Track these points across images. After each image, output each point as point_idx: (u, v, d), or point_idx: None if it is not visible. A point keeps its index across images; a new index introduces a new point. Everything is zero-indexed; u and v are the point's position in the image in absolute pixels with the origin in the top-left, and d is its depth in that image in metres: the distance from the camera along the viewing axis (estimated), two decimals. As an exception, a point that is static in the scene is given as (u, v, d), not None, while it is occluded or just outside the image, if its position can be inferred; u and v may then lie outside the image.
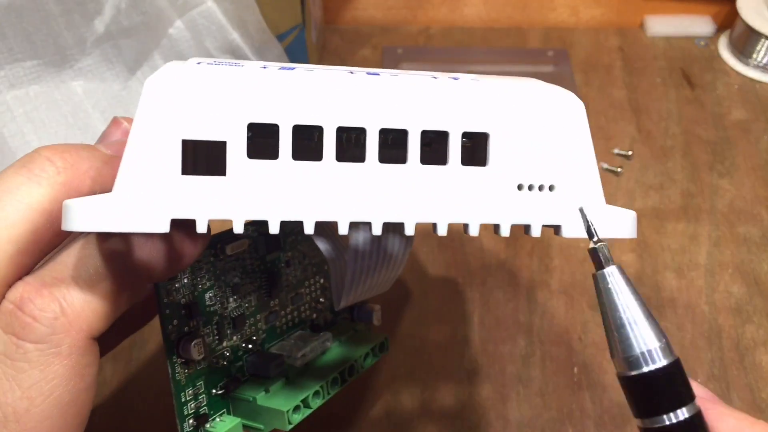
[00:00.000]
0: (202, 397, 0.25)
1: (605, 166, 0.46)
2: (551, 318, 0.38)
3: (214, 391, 0.25)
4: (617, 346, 0.18)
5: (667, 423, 0.18)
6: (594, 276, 0.19)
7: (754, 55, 0.53)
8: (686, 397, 0.18)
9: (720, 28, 0.58)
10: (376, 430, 0.34)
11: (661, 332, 0.18)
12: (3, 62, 0.39)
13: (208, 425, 0.25)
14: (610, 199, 0.44)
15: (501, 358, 0.36)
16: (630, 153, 0.47)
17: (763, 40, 0.52)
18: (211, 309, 0.25)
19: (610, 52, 0.56)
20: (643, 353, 0.18)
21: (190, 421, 0.24)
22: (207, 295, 0.25)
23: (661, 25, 0.57)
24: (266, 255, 0.28)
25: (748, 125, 0.50)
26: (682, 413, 0.18)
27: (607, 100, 0.51)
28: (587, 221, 0.19)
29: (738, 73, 0.54)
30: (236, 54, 0.43)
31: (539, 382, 0.35)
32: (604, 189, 0.47)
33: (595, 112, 0.50)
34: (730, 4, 0.56)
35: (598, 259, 0.18)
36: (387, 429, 0.34)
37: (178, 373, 0.24)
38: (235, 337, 0.26)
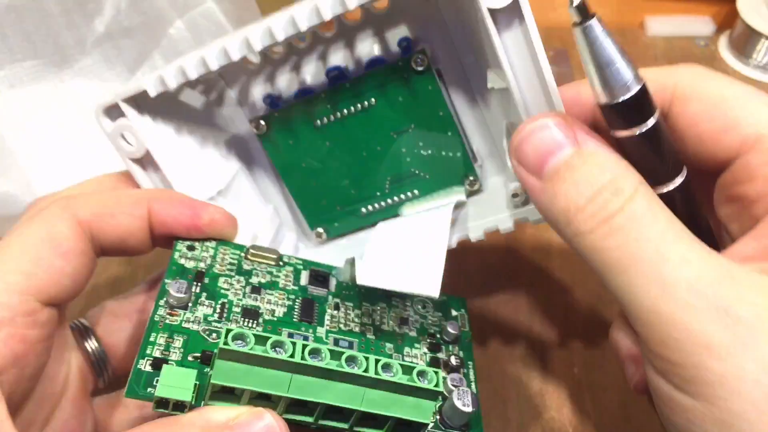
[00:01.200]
0: (175, 352, 0.23)
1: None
2: (551, 318, 0.38)
3: (190, 356, 0.23)
4: (607, 82, 0.22)
5: (650, 125, 0.22)
6: (581, 28, 0.21)
7: (755, 56, 0.53)
8: (653, 108, 0.23)
9: (720, 29, 0.58)
10: (377, 430, 0.34)
11: (633, 65, 0.22)
12: (3, 62, 0.39)
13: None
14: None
15: (501, 358, 0.36)
16: (630, 153, 0.47)
17: (763, 40, 0.52)
18: (221, 291, 0.26)
19: (610, 52, 0.56)
20: (625, 82, 0.22)
21: (148, 361, 0.23)
22: (221, 279, 0.26)
23: (661, 26, 0.57)
24: (307, 286, 0.27)
25: (748, 125, 0.50)
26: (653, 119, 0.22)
27: (607, 100, 0.51)
28: None
29: (738, 74, 0.54)
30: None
31: (539, 382, 0.35)
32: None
33: (595, 112, 0.50)
34: (730, 5, 0.56)
35: (584, 13, 0.21)
36: (387, 429, 0.34)
37: (157, 315, 0.24)
38: (246, 327, 0.25)
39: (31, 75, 0.40)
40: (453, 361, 0.27)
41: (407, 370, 0.22)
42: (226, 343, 0.20)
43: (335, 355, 0.21)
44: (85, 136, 0.42)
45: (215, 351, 0.20)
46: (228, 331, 0.20)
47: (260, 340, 0.21)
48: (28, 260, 0.22)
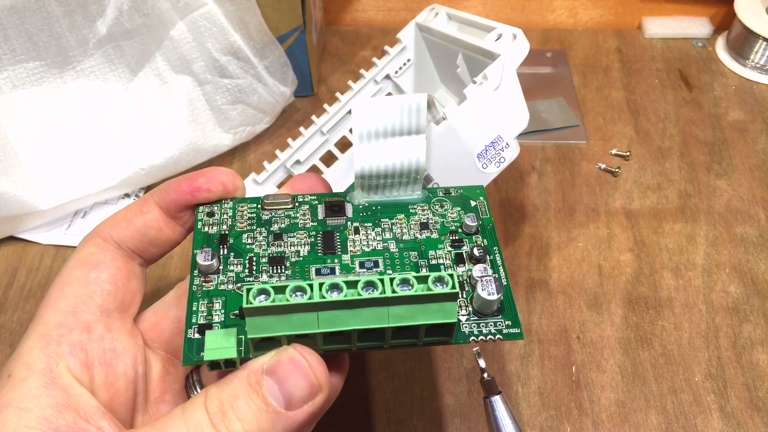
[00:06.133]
0: (218, 314, 0.25)
1: (603, 166, 0.46)
2: (550, 317, 0.38)
3: (231, 314, 0.25)
4: None
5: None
6: (486, 400, 0.26)
7: (752, 56, 0.54)
8: None
9: (717, 30, 0.58)
10: (376, 428, 0.34)
11: None
12: (6, 63, 0.39)
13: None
14: (608, 199, 0.44)
15: (500, 357, 0.36)
16: (628, 154, 0.47)
17: (760, 41, 0.53)
18: (246, 247, 0.27)
19: (608, 53, 0.56)
20: None
21: (195, 329, 0.24)
22: (244, 235, 0.27)
23: (659, 27, 0.58)
24: (326, 219, 0.28)
25: (745, 126, 0.50)
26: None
27: (605, 101, 0.52)
28: (480, 362, 0.26)
29: (735, 74, 0.54)
30: (237, 55, 0.43)
31: (538, 381, 0.36)
32: (602, 190, 0.48)
33: (594, 113, 0.51)
34: (727, 6, 0.57)
35: (491, 389, 0.26)
36: (387, 427, 0.34)
37: (194, 285, 0.25)
38: (274, 279, 0.26)
39: (34, 76, 0.40)
40: (476, 252, 0.27)
41: (422, 280, 0.22)
42: (249, 302, 0.21)
43: (352, 285, 0.22)
44: (87, 137, 0.42)
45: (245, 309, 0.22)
46: (248, 290, 0.22)
47: (280, 290, 0.22)
48: (67, 284, 0.26)
